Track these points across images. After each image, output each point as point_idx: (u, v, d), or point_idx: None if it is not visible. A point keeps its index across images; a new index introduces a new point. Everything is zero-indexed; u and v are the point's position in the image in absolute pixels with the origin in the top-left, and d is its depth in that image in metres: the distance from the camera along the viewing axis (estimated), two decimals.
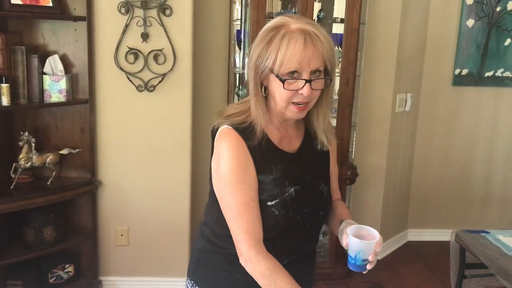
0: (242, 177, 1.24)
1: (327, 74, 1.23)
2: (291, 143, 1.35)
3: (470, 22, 3.48)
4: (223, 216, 1.29)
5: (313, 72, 1.20)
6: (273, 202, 1.26)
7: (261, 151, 1.27)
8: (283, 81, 1.19)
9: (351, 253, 1.21)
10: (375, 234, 1.23)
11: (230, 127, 1.27)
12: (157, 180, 2.76)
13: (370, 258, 1.21)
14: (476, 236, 2.26)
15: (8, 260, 2.45)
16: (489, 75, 3.59)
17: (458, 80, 3.58)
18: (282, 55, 1.17)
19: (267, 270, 1.22)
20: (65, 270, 2.70)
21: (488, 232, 2.32)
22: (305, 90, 1.19)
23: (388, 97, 3.27)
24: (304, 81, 1.19)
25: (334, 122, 2.96)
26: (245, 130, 1.27)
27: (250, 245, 1.23)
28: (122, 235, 2.81)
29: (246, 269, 1.25)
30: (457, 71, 3.57)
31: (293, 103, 1.22)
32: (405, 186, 3.72)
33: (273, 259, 1.24)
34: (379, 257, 3.48)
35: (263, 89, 1.26)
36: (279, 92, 1.21)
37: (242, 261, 1.25)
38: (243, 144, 1.26)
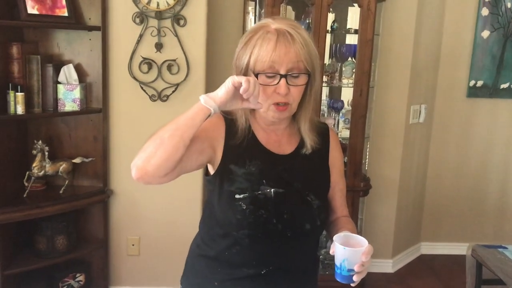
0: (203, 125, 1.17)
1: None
2: (281, 148, 1.33)
3: (486, 33, 3.45)
4: (209, 217, 1.32)
5: (290, 72, 1.20)
6: (241, 196, 1.24)
7: (240, 143, 1.27)
8: (256, 75, 1.20)
9: (337, 261, 1.14)
10: (363, 242, 1.15)
11: (219, 113, 1.29)
12: (169, 190, 2.76)
13: (356, 268, 1.12)
14: (493, 252, 2.22)
15: (19, 268, 2.45)
16: (505, 87, 3.55)
17: (473, 92, 3.54)
18: (256, 54, 1.20)
19: (150, 139, 1.15)
20: (76, 279, 2.69)
21: (505, 248, 2.28)
22: (281, 86, 1.19)
23: (402, 108, 3.24)
24: (279, 77, 1.19)
25: (347, 133, 2.94)
26: (231, 121, 1.30)
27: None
28: (133, 245, 2.80)
29: (139, 174, 1.12)
30: (472, 82, 3.53)
31: (274, 104, 1.23)
32: (418, 198, 3.67)
33: None
34: (392, 270, 3.44)
35: None
36: None
37: (134, 173, 1.14)
38: (223, 127, 1.28)
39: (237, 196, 1.24)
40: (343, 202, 1.44)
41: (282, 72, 1.19)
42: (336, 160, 1.41)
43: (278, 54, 1.18)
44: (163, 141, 1.12)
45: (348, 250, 1.12)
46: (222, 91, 1.14)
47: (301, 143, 1.34)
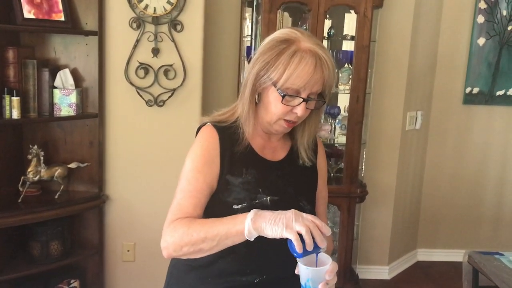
0: (201, 168, 1.24)
1: (322, 97, 1.25)
2: (275, 154, 1.33)
3: (481, 41, 3.47)
4: None
5: (311, 94, 1.21)
6: (239, 206, 1.23)
7: (235, 152, 1.26)
8: (283, 96, 1.19)
9: (301, 281, 1.11)
10: (327, 261, 1.12)
11: (210, 124, 1.30)
12: (165, 196, 2.73)
13: (320, 287, 1.08)
14: (489, 258, 2.21)
15: (13, 274, 2.43)
16: (501, 94, 3.56)
17: (469, 99, 3.56)
18: (290, 73, 1.17)
19: (183, 226, 1.18)
20: (71, 285, 2.67)
21: (502, 254, 2.27)
22: (300, 109, 1.20)
23: (398, 114, 3.25)
24: (301, 100, 1.19)
25: (343, 139, 2.94)
26: (223, 129, 1.28)
27: (169, 221, 1.23)
28: (128, 251, 2.79)
29: (168, 256, 1.22)
30: (468, 89, 3.54)
31: (284, 119, 1.23)
32: (415, 205, 3.67)
33: (186, 218, 1.20)
34: (388, 277, 3.43)
35: (256, 95, 1.26)
36: (274, 105, 1.21)
37: (164, 253, 1.22)
38: (217, 140, 1.26)
39: (235, 206, 1.23)
40: (324, 211, 1.45)
41: (304, 95, 1.19)
42: (322, 167, 1.42)
43: (313, 78, 1.17)
44: (201, 250, 1.16)
45: (311, 270, 1.09)
46: (273, 234, 1.05)
47: (292, 148, 1.36)
